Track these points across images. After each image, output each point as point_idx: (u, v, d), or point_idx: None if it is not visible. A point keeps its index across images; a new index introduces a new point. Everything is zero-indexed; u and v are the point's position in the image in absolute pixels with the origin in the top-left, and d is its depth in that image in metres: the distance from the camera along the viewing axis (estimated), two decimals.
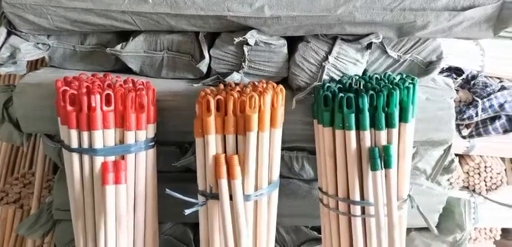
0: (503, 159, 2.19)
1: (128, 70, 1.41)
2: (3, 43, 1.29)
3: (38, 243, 1.90)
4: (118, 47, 1.34)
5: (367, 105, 1.18)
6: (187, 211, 1.14)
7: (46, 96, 1.32)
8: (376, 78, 1.29)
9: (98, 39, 1.39)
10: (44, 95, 1.33)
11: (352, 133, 1.20)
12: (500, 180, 2.08)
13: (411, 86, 1.20)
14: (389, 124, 1.19)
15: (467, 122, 1.94)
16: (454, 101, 1.84)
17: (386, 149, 1.18)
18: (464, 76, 2.03)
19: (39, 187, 1.85)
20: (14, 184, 2.18)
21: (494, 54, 2.10)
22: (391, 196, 1.19)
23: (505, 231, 2.69)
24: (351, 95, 1.19)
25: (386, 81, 1.26)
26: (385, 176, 1.20)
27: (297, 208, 1.51)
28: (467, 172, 2.09)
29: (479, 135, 1.97)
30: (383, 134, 1.20)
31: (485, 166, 2.08)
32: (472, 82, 2.05)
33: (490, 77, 2.06)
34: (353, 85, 1.28)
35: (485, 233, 2.24)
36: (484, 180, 2.09)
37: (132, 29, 1.32)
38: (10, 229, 2.03)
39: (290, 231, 1.61)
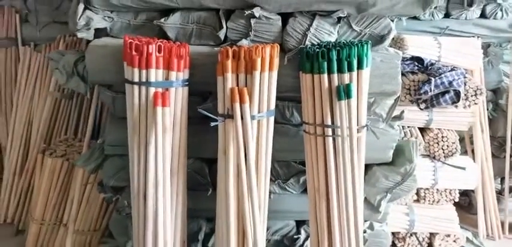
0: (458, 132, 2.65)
1: (166, 40, 1.95)
2: (81, 14, 1.85)
3: (84, 182, 2.39)
4: (162, 19, 1.89)
5: (335, 56, 1.72)
6: (213, 124, 1.67)
7: (109, 55, 1.86)
8: (343, 42, 1.84)
9: (146, 15, 1.95)
10: (107, 54, 1.87)
11: (325, 76, 1.74)
12: (455, 148, 2.49)
13: (365, 44, 1.75)
14: (350, 69, 1.73)
15: (423, 96, 2.40)
16: (413, 81, 2.37)
17: (348, 86, 1.72)
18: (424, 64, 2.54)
19: (89, 136, 2.34)
20: (59, 144, 2.68)
21: (449, 47, 2.59)
22: (351, 119, 1.72)
23: (468, 204, 3.09)
24: (324, 50, 1.74)
25: (349, 44, 1.80)
26: (348, 105, 1.73)
27: (288, 145, 2.01)
28: (428, 142, 2.51)
29: (433, 106, 2.41)
30: (346, 76, 1.74)
31: (442, 137, 2.49)
32: (430, 68, 2.55)
33: (445, 66, 2.53)
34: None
35: (446, 195, 2.58)
36: (442, 149, 2.50)
37: (173, 7, 1.88)
38: (57, 178, 2.50)
39: (283, 166, 2.10)
